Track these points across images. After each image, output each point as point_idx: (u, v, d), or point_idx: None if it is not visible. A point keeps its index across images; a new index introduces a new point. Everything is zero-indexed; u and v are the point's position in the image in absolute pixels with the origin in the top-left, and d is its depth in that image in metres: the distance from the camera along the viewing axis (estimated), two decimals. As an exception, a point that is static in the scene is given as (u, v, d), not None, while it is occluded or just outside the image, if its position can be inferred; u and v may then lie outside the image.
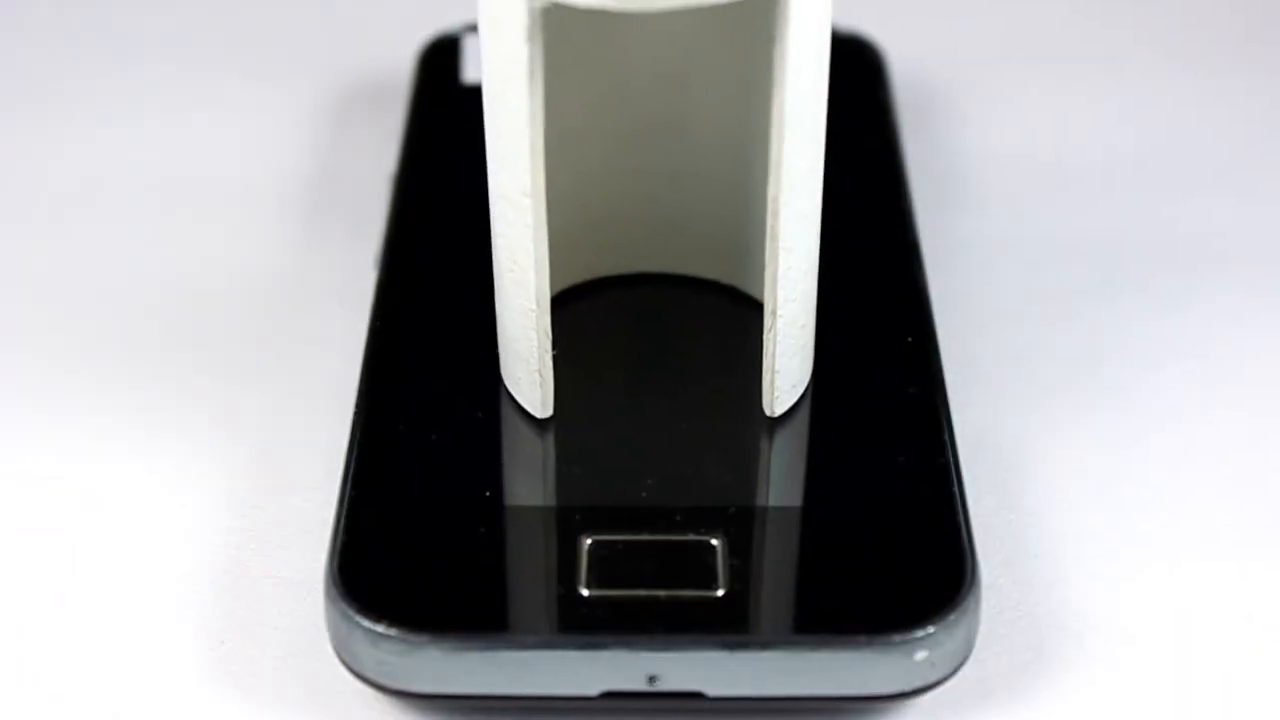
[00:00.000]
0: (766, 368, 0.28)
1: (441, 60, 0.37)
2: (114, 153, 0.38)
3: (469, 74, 0.37)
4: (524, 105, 0.25)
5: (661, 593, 0.25)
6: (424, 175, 0.34)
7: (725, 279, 0.31)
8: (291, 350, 0.32)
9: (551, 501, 0.27)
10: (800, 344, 0.28)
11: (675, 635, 0.25)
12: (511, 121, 0.26)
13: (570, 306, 0.30)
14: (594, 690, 0.25)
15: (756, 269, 0.29)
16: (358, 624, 0.25)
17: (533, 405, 0.28)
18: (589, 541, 0.26)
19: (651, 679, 0.25)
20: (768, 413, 0.28)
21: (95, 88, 0.40)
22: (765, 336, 0.28)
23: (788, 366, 0.28)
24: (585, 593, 0.25)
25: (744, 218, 0.30)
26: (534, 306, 0.27)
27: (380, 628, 0.25)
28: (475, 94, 0.33)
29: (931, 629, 0.25)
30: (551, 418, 0.28)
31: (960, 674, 0.26)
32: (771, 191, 0.26)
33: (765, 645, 0.25)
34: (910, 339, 0.30)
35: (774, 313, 0.27)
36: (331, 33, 0.42)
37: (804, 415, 0.29)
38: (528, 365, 0.28)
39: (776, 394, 0.28)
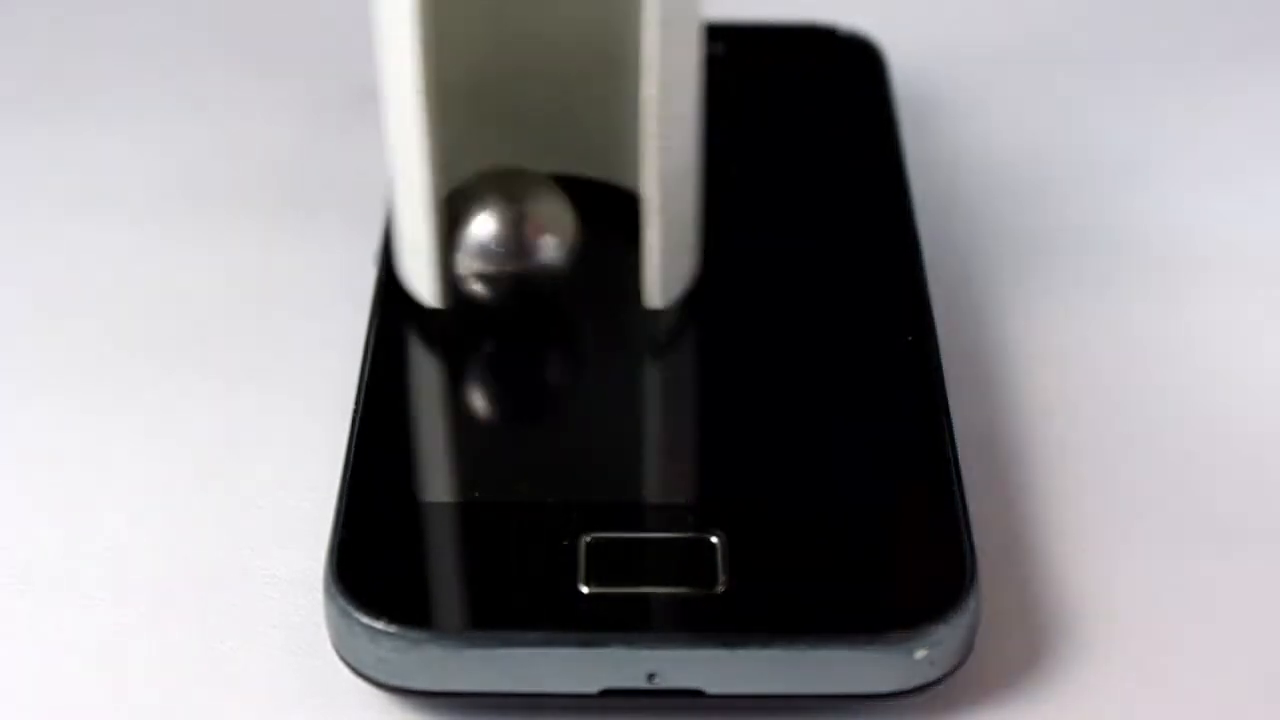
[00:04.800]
0: (649, 263, 0.29)
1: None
2: (113, 152, 0.38)
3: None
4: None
5: (661, 590, 0.25)
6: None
7: (609, 177, 0.32)
8: (291, 350, 0.32)
9: (550, 498, 0.27)
10: (684, 241, 0.29)
11: (675, 633, 0.25)
12: (398, 15, 0.27)
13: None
14: (593, 688, 0.25)
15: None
16: (357, 621, 0.25)
17: (428, 295, 0.29)
18: (588, 539, 0.26)
19: (651, 676, 0.25)
20: (648, 305, 0.30)
21: (94, 87, 0.40)
22: (647, 231, 0.29)
23: (671, 262, 0.29)
24: (585, 590, 0.25)
25: (625, 117, 0.31)
26: (427, 201, 0.28)
27: (380, 625, 0.25)
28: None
29: (931, 628, 0.25)
30: (551, 416, 0.28)
31: (960, 673, 0.26)
32: (646, 92, 0.27)
33: (765, 643, 0.25)
34: (910, 338, 0.30)
35: (657, 210, 0.28)
36: (331, 33, 0.42)
37: (804, 414, 0.29)
38: (424, 258, 0.29)
39: (661, 288, 0.29)
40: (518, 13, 0.31)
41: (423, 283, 0.29)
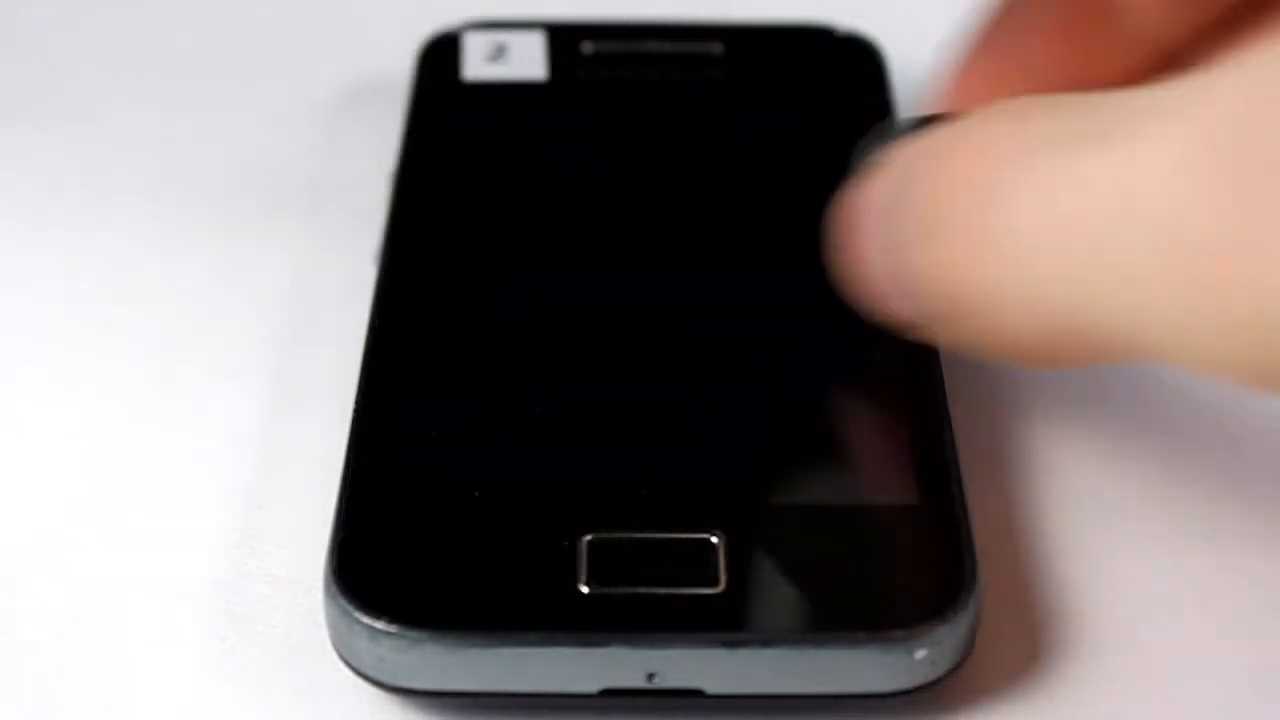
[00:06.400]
0: None
1: (442, 58, 0.37)
2: (113, 151, 0.38)
3: (469, 72, 0.37)
4: None
5: (661, 590, 0.25)
6: (424, 173, 0.34)
7: None
8: (291, 349, 0.32)
9: (551, 498, 0.27)
10: None
11: (675, 632, 0.25)
12: None
13: None
14: (593, 687, 0.25)
15: None
16: (357, 621, 0.25)
17: None
18: (588, 538, 0.26)
19: (651, 676, 0.25)
20: None
21: (94, 87, 0.40)
22: None
23: None
24: (584, 590, 0.25)
25: None
26: None
27: (379, 624, 0.25)
28: (475, 92, 0.33)
29: (931, 627, 0.25)
30: (552, 416, 0.28)
31: (960, 673, 0.26)
32: None
33: (765, 643, 0.25)
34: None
35: None
36: (331, 33, 0.42)
37: (805, 414, 0.29)
38: None
39: None
40: None
41: None
